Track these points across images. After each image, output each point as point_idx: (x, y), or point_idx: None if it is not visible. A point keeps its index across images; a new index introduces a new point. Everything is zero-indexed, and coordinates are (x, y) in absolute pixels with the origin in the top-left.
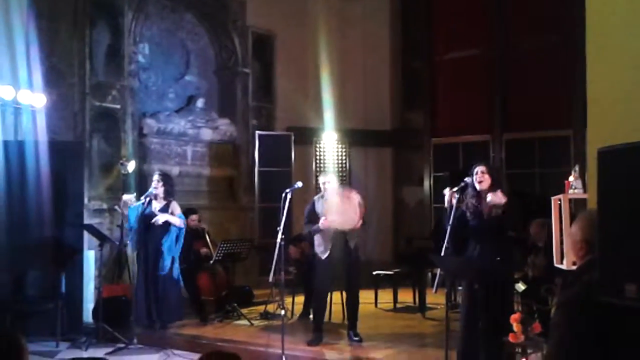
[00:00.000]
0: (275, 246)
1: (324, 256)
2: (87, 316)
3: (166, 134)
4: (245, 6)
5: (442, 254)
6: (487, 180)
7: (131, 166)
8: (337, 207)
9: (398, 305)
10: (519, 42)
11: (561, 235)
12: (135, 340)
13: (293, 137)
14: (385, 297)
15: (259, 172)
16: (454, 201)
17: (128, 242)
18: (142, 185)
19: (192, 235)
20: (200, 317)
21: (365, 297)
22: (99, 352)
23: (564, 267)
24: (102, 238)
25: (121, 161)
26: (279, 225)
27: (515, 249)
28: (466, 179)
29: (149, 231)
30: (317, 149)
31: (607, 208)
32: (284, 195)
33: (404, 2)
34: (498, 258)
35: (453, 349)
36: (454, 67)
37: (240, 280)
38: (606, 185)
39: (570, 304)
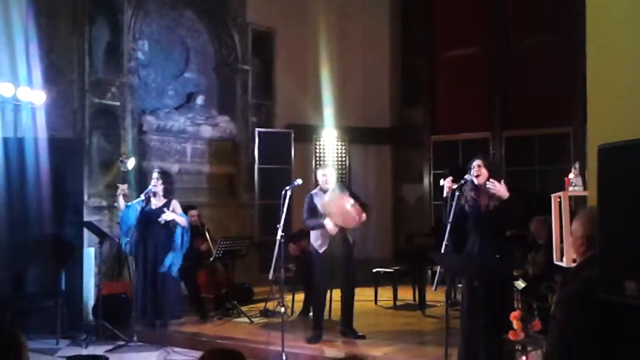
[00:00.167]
0: (275, 243)
1: (321, 250)
2: (87, 313)
3: (166, 131)
4: (245, 3)
5: (442, 251)
6: (484, 174)
7: (131, 163)
8: (338, 208)
9: (398, 303)
10: (519, 39)
11: (561, 232)
12: (135, 338)
13: (293, 135)
14: (385, 294)
15: (259, 169)
16: (454, 186)
17: (124, 244)
18: (141, 182)
19: (192, 233)
20: (200, 315)
21: (365, 294)
22: (99, 350)
23: (563, 264)
24: (101, 235)
25: (121, 158)
26: (279, 223)
27: (515, 247)
28: (466, 176)
29: (148, 229)
30: (317, 147)
31: (607, 205)
32: (283, 192)
33: None
34: (498, 256)
35: (453, 347)
36: (454, 64)
37: (240, 278)
38: (606, 182)
39: (570, 300)
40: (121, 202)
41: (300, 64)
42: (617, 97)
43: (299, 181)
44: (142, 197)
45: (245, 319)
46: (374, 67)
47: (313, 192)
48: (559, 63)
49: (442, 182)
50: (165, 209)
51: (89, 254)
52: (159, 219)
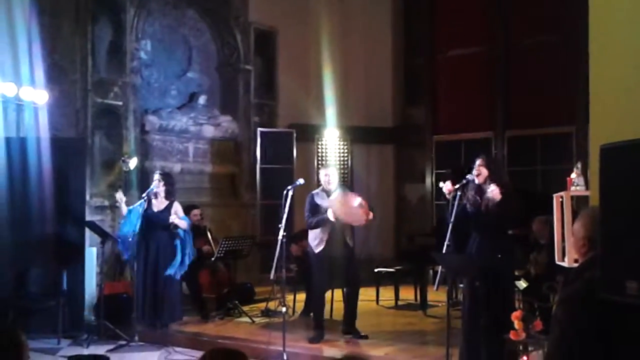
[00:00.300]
0: (276, 243)
1: (317, 250)
2: (89, 313)
3: (168, 131)
4: (248, 2)
5: (444, 251)
6: (483, 174)
7: (133, 163)
8: (345, 205)
9: (399, 303)
10: (521, 39)
11: (563, 232)
12: (136, 338)
13: (295, 134)
14: (387, 294)
15: (261, 169)
16: (456, 187)
17: (123, 249)
18: (143, 182)
19: (194, 233)
20: (201, 315)
21: (367, 294)
22: (101, 350)
23: (565, 264)
24: (103, 235)
25: (123, 158)
26: (281, 223)
27: (517, 247)
28: (468, 175)
29: (150, 231)
30: (319, 146)
31: (609, 205)
32: (285, 192)
33: None
34: (499, 255)
35: (454, 347)
36: (456, 64)
37: (241, 278)
38: (608, 182)
39: (571, 300)
40: (123, 208)
41: (303, 64)
42: (620, 96)
43: (301, 181)
44: (144, 197)
45: (247, 319)
46: (376, 66)
47: (314, 191)
48: (560, 62)
49: (441, 184)
50: (167, 212)
51: (91, 253)
52: (169, 222)
